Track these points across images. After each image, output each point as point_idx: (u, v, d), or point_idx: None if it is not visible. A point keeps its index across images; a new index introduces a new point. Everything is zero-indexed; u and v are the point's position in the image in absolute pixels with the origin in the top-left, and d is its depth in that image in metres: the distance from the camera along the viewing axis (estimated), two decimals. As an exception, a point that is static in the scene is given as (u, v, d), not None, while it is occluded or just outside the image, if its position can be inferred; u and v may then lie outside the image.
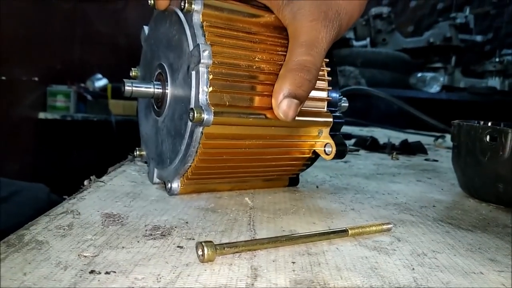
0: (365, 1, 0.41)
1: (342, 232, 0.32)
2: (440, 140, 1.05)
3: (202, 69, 0.34)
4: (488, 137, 0.45)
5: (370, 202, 0.44)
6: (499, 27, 3.00)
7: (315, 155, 0.44)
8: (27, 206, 0.76)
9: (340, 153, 0.42)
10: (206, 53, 0.34)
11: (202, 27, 0.36)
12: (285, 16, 0.38)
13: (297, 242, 0.30)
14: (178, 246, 0.28)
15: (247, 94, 0.37)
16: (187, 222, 0.33)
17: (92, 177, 0.44)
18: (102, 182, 0.43)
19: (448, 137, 1.05)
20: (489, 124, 0.53)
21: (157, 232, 0.30)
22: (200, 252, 0.26)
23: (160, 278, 0.23)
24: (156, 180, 0.43)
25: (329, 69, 0.43)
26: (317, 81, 0.39)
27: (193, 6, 0.35)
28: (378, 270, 0.26)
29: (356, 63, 2.14)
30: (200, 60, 0.34)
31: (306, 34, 0.37)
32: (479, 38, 2.62)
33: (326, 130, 0.43)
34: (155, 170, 0.43)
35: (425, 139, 1.05)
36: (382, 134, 1.16)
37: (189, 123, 0.35)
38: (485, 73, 2.44)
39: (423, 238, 0.33)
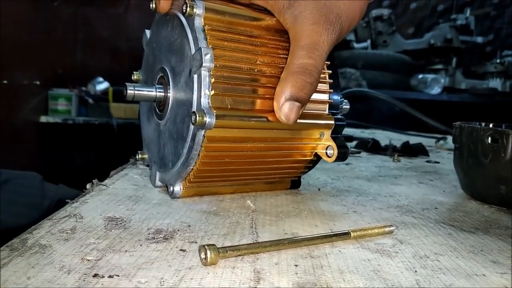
0: (366, 4, 0.41)
1: (345, 235, 0.32)
2: (441, 142, 1.05)
3: (204, 72, 0.34)
4: (489, 138, 0.45)
5: (372, 204, 0.44)
6: (500, 28, 3.00)
7: (317, 158, 0.44)
8: (20, 193, 0.76)
9: (342, 156, 0.42)
10: (208, 56, 0.34)
11: (203, 30, 0.36)
12: (286, 19, 0.38)
13: (300, 245, 0.30)
14: (181, 250, 0.28)
15: (248, 97, 0.37)
16: (189, 226, 0.33)
17: (95, 181, 0.44)
18: (105, 185, 0.43)
19: (449, 138, 1.05)
20: (491, 125, 0.53)
21: (160, 236, 0.30)
22: (203, 255, 0.26)
23: (163, 281, 0.23)
24: (158, 183, 0.43)
25: (330, 71, 0.43)
26: (319, 84, 0.39)
27: (194, 10, 0.36)
28: (381, 273, 0.26)
29: (357, 65, 2.15)
30: (202, 63, 0.34)
31: (307, 37, 0.37)
32: (480, 39, 2.62)
33: (327, 133, 0.43)
34: (157, 173, 0.43)
35: (427, 141, 1.04)
36: (384, 136, 1.16)
37: (191, 126, 0.35)
38: (486, 74, 2.44)
39: (426, 240, 0.33)
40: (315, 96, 0.40)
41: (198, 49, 0.34)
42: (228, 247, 0.27)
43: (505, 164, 0.43)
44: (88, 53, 2.49)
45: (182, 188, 0.40)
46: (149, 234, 0.31)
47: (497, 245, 0.34)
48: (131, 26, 2.51)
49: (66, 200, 0.38)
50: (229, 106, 0.36)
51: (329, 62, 0.42)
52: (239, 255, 0.27)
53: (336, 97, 0.43)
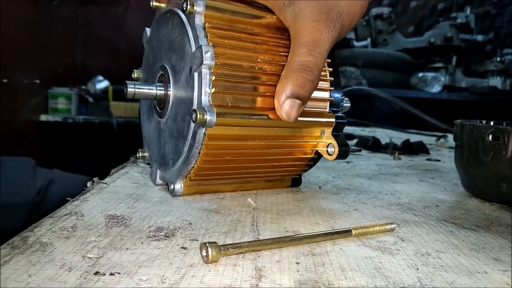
0: (367, 2, 0.41)
1: (346, 233, 0.32)
2: (442, 140, 1.05)
3: (204, 70, 0.34)
4: (490, 136, 0.45)
5: (373, 202, 0.44)
6: (500, 26, 3.00)
7: (318, 156, 0.44)
8: (13, 174, 0.75)
9: (343, 154, 0.42)
10: (209, 54, 0.34)
11: (204, 28, 0.36)
12: (287, 17, 0.38)
13: (301, 243, 0.30)
14: (182, 247, 0.28)
15: (249, 95, 0.37)
16: (190, 223, 0.33)
17: (95, 179, 0.44)
18: (105, 183, 0.43)
19: (450, 137, 1.05)
20: (491, 123, 0.53)
21: (161, 233, 0.30)
22: (204, 253, 0.26)
23: (165, 279, 0.23)
24: (159, 181, 0.43)
25: (331, 69, 0.43)
26: (319, 82, 0.39)
27: (195, 7, 0.35)
28: (383, 270, 0.26)
29: (357, 64, 2.14)
30: (202, 61, 0.34)
31: (308, 35, 0.37)
32: (480, 37, 2.62)
33: (328, 131, 0.43)
34: (158, 171, 0.43)
35: (427, 139, 1.04)
36: (384, 134, 1.16)
37: (192, 124, 0.35)
38: (486, 72, 2.44)
39: (427, 238, 0.33)
40: (316, 94, 0.40)
41: (199, 47, 0.34)
42: (229, 244, 0.27)
43: (506, 162, 0.43)
44: (88, 52, 2.49)
45: (182, 186, 0.40)
46: (150, 232, 0.30)
47: (498, 242, 0.34)
48: (131, 25, 2.51)
49: (67, 198, 0.38)
50: (229, 104, 0.36)
51: (329, 60, 0.42)
52: (240, 253, 0.27)
53: (337, 95, 0.43)
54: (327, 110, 0.43)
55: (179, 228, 0.32)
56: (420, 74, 2.28)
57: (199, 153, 0.36)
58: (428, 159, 0.79)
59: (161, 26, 0.41)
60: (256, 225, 0.33)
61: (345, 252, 0.29)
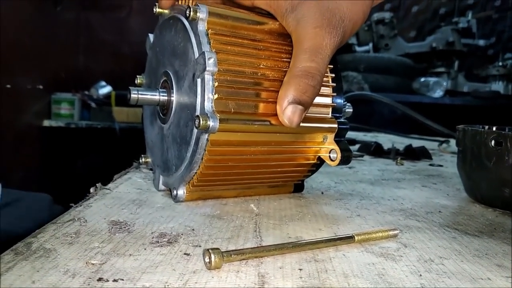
0: (369, 8, 0.41)
1: (349, 239, 0.32)
2: (444, 145, 1.05)
3: (207, 76, 0.35)
4: (493, 142, 0.45)
5: (375, 208, 0.44)
6: (502, 31, 3.00)
7: (320, 161, 0.44)
8: (29, 211, 0.76)
9: (345, 159, 0.42)
10: (212, 60, 0.34)
11: (207, 34, 0.36)
12: (289, 23, 0.38)
13: (304, 249, 0.30)
14: (185, 253, 0.28)
15: (252, 100, 0.37)
16: (193, 229, 0.33)
17: (98, 185, 0.44)
18: (108, 189, 0.43)
19: (452, 142, 1.05)
20: (494, 128, 0.53)
21: (164, 239, 0.30)
22: (207, 259, 0.26)
23: (168, 285, 0.23)
24: (161, 187, 0.43)
25: (333, 75, 0.43)
26: (322, 87, 0.39)
27: (198, 14, 0.36)
28: (385, 277, 0.26)
29: (359, 68, 2.15)
30: (205, 67, 0.34)
31: (310, 40, 0.37)
32: (482, 42, 2.62)
33: (331, 136, 0.43)
34: (161, 177, 0.43)
35: (429, 144, 1.04)
36: (386, 139, 1.16)
37: (195, 130, 0.36)
38: (488, 77, 2.44)
39: (430, 244, 0.33)
40: (318, 99, 0.40)
41: (202, 53, 0.35)
42: (232, 251, 0.27)
43: (508, 167, 0.43)
44: (90, 57, 2.51)
45: (185, 191, 0.40)
46: (153, 238, 0.31)
47: (501, 248, 0.33)
48: (133, 30, 2.52)
49: (70, 204, 0.38)
50: (232, 110, 0.36)
51: (332, 66, 0.42)
52: (243, 259, 0.27)
53: (339, 101, 0.43)
54: (330, 115, 0.43)
55: (182, 234, 0.32)
56: (422, 79, 2.28)
57: (202, 159, 0.37)
58: (430, 164, 0.79)
59: (164, 32, 0.41)
60: (258, 231, 0.33)
61: (348, 258, 0.29)
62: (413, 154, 0.85)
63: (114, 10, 2.55)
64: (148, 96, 0.39)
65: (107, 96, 2.32)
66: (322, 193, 0.49)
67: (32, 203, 0.78)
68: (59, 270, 0.24)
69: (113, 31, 2.54)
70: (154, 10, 0.40)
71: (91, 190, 0.43)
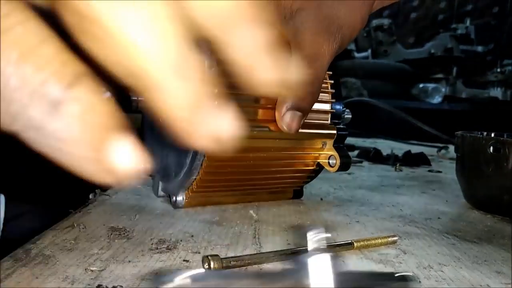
0: (367, 15, 0.42)
1: (348, 245, 0.32)
2: (443, 151, 1.05)
3: (207, 83, 0.35)
4: (491, 148, 0.45)
5: (375, 214, 0.44)
6: (500, 37, 3.02)
7: (319, 167, 0.44)
8: (34, 225, 0.76)
9: (345, 165, 0.42)
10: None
11: (207, 42, 0.36)
12: (288, 30, 0.39)
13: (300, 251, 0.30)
14: (184, 260, 0.28)
15: (251, 107, 0.37)
16: (192, 236, 0.33)
17: (97, 191, 0.44)
18: (107, 195, 0.43)
19: (451, 148, 1.05)
20: (492, 135, 0.53)
21: (163, 246, 0.30)
22: (206, 266, 0.26)
23: (167, 292, 0.23)
24: (161, 193, 0.43)
25: (332, 81, 0.43)
26: (321, 94, 0.39)
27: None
28: (385, 283, 0.26)
29: (358, 75, 2.16)
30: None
31: (308, 47, 0.37)
32: (480, 48, 2.64)
33: (330, 142, 0.43)
34: (160, 183, 0.43)
35: (428, 150, 1.04)
36: (385, 145, 1.16)
37: (194, 137, 0.36)
38: (487, 83, 2.45)
39: (429, 250, 0.33)
40: (317, 106, 0.41)
41: (202, 60, 0.35)
42: (232, 257, 0.27)
43: (507, 174, 0.43)
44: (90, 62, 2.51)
45: (184, 198, 0.40)
46: (152, 244, 0.31)
47: (500, 255, 0.34)
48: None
49: (69, 210, 0.38)
50: (232, 116, 0.36)
51: (330, 72, 0.43)
52: (243, 266, 0.27)
53: (338, 107, 0.43)
54: (329, 122, 0.43)
55: (181, 241, 0.32)
56: (421, 85, 2.29)
57: (201, 165, 0.37)
58: (429, 171, 0.79)
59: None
60: (258, 238, 0.33)
61: (347, 265, 0.29)
62: (412, 160, 0.85)
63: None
64: (148, 103, 0.39)
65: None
66: (321, 199, 0.49)
67: (36, 218, 0.78)
68: (58, 276, 0.24)
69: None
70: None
71: (91, 196, 0.43)
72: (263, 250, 0.31)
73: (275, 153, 0.40)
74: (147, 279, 0.25)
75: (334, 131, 0.43)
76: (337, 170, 0.42)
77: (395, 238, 0.34)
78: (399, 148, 1.07)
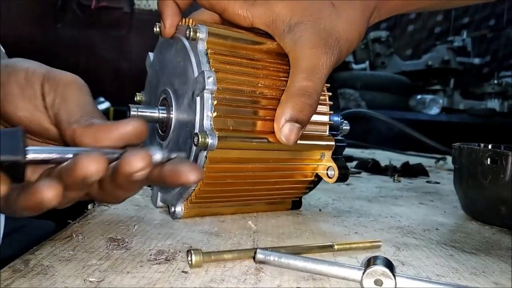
0: (365, 28, 0.42)
1: (328, 247, 0.34)
2: (441, 162, 1.05)
3: (206, 95, 0.35)
4: (489, 160, 0.45)
5: (373, 225, 0.44)
6: (496, 49, 3.05)
7: (318, 178, 0.44)
8: (34, 238, 0.75)
9: (343, 177, 0.42)
10: (211, 79, 0.35)
11: (206, 54, 0.37)
12: (286, 43, 0.39)
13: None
14: (182, 271, 0.28)
15: (250, 118, 0.38)
16: (191, 247, 0.33)
17: (96, 202, 0.44)
18: (106, 206, 0.43)
19: (449, 159, 1.05)
20: (489, 146, 0.53)
21: (162, 257, 0.30)
22: (189, 258, 0.28)
23: (166, 303, 0.23)
24: (159, 204, 0.43)
25: (330, 93, 0.43)
26: (319, 106, 0.39)
27: (198, 34, 0.37)
28: (383, 295, 0.26)
29: (356, 86, 2.17)
30: (204, 86, 0.35)
31: (306, 60, 0.38)
32: (477, 60, 2.66)
33: (328, 154, 0.43)
34: (159, 193, 0.43)
35: (426, 161, 1.05)
36: (383, 156, 1.16)
37: (194, 148, 0.36)
38: (484, 95, 2.47)
39: (427, 261, 0.33)
40: (316, 117, 0.41)
41: (201, 72, 0.35)
42: (212, 252, 0.30)
43: (504, 185, 0.44)
44: (90, 74, 2.52)
45: (183, 208, 0.40)
46: (150, 255, 0.31)
47: (498, 266, 0.34)
48: (133, 48, 2.55)
49: (68, 221, 0.38)
50: (231, 128, 0.36)
51: (329, 85, 0.43)
52: (223, 260, 0.30)
53: (336, 119, 0.44)
54: (327, 133, 0.43)
55: (179, 252, 0.32)
56: (419, 96, 2.30)
57: (200, 176, 0.37)
58: (427, 181, 0.79)
59: (165, 51, 0.42)
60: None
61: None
62: (410, 171, 0.85)
63: (114, 27, 2.58)
64: (148, 113, 0.40)
65: (105, 112, 2.33)
66: (320, 210, 0.49)
67: (35, 230, 0.77)
68: (56, 287, 0.24)
69: (113, 48, 2.57)
70: (155, 29, 0.41)
71: (89, 206, 0.43)
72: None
73: (274, 164, 0.41)
74: (146, 290, 0.25)
75: (333, 143, 0.43)
76: (336, 181, 0.43)
77: (379, 243, 0.35)
78: (397, 159, 1.07)
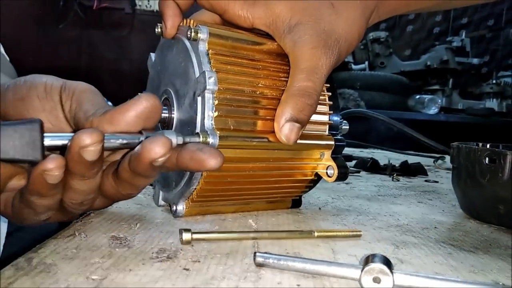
0: (364, 29, 0.43)
1: (308, 233, 0.37)
2: (440, 161, 1.06)
3: (207, 95, 0.36)
4: (487, 159, 0.46)
5: (372, 224, 0.44)
6: (495, 49, 3.06)
7: (317, 177, 0.45)
8: (37, 236, 0.75)
9: (342, 176, 0.43)
10: (212, 79, 0.35)
11: (207, 54, 0.37)
12: (286, 43, 0.40)
13: (264, 237, 0.36)
14: (184, 269, 0.28)
15: (250, 118, 0.38)
16: (192, 245, 0.33)
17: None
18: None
19: (447, 158, 1.05)
20: (488, 146, 0.54)
21: (164, 255, 0.31)
22: (180, 237, 0.33)
23: (168, 300, 0.24)
24: (161, 202, 0.43)
25: (329, 93, 0.44)
26: (319, 106, 0.40)
27: (199, 35, 0.37)
28: (382, 292, 0.27)
29: (355, 86, 2.18)
30: (206, 86, 0.35)
31: (306, 60, 0.38)
32: (475, 60, 2.67)
33: (328, 153, 0.44)
34: (161, 192, 0.43)
35: (425, 160, 1.05)
36: (382, 156, 1.17)
37: (195, 147, 0.36)
38: (482, 94, 2.48)
39: (426, 260, 0.34)
40: (315, 117, 0.41)
41: (202, 73, 0.36)
42: (202, 232, 0.34)
43: (502, 184, 0.44)
44: (92, 74, 2.53)
45: (185, 207, 0.40)
46: (152, 253, 0.31)
47: (497, 264, 0.34)
48: (134, 48, 2.56)
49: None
50: (232, 127, 0.37)
51: (328, 85, 0.44)
52: (211, 239, 0.34)
53: (336, 118, 0.44)
54: (326, 133, 0.44)
55: (181, 250, 0.32)
56: (417, 96, 2.31)
57: (201, 174, 0.37)
58: (426, 180, 0.80)
59: (166, 51, 0.43)
60: (257, 247, 0.34)
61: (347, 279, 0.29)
62: (409, 170, 0.86)
63: (116, 28, 2.59)
64: (149, 113, 0.40)
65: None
66: (320, 208, 0.50)
67: (38, 229, 0.77)
68: (59, 285, 0.25)
69: (115, 48, 2.57)
70: (156, 30, 0.42)
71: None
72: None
73: (274, 163, 0.41)
74: (148, 287, 0.25)
75: (332, 142, 0.43)
76: (335, 180, 0.43)
77: (359, 233, 0.38)
78: (396, 158, 1.07)
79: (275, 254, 0.29)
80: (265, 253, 0.29)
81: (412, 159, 1.01)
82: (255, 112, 0.38)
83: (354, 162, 0.94)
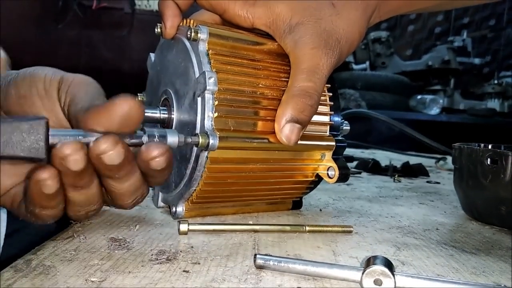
0: (365, 29, 0.42)
1: (300, 226, 0.38)
2: (441, 162, 1.05)
3: (207, 95, 0.35)
4: (489, 160, 0.45)
5: (373, 225, 0.44)
6: (496, 49, 3.05)
7: (318, 179, 0.45)
8: (36, 238, 0.75)
9: (343, 177, 0.43)
10: (212, 80, 0.35)
11: (207, 55, 0.37)
12: (287, 44, 0.39)
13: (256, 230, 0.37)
14: (184, 271, 0.28)
15: (251, 119, 0.38)
16: (192, 247, 0.33)
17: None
18: (107, 206, 0.43)
19: (449, 159, 1.05)
20: (489, 146, 0.53)
21: (163, 257, 0.30)
22: (178, 227, 0.35)
23: (167, 303, 0.23)
24: (161, 204, 0.43)
25: (330, 94, 0.44)
26: (320, 106, 0.40)
27: (199, 35, 0.37)
28: (384, 294, 0.26)
29: (356, 86, 2.17)
30: (206, 87, 0.35)
31: (307, 61, 0.38)
32: (477, 60, 2.67)
33: (328, 154, 0.43)
34: (160, 194, 0.43)
35: (426, 161, 1.05)
36: (384, 156, 1.16)
37: (195, 148, 0.36)
38: (484, 95, 2.47)
39: (427, 261, 0.33)
40: (316, 118, 0.41)
41: (202, 73, 0.35)
42: (198, 223, 0.37)
43: (504, 185, 0.44)
44: (91, 74, 2.53)
45: (184, 209, 0.40)
46: (152, 255, 0.31)
47: (498, 266, 0.34)
48: (134, 48, 2.56)
49: (70, 221, 0.38)
50: (232, 128, 0.37)
51: (329, 85, 0.43)
52: (207, 230, 0.36)
53: (337, 119, 0.44)
54: (327, 133, 0.43)
55: (181, 252, 0.32)
56: (419, 97, 2.31)
57: (201, 176, 0.37)
58: (427, 181, 0.79)
59: (166, 51, 0.42)
60: (257, 249, 0.34)
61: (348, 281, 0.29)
62: (410, 171, 0.85)
63: (115, 28, 2.58)
64: (149, 114, 0.40)
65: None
66: (321, 210, 0.49)
67: (37, 231, 0.77)
68: (58, 287, 0.24)
69: (114, 49, 2.57)
70: (156, 30, 0.41)
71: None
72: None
73: (275, 164, 0.41)
74: (148, 289, 0.25)
75: (333, 143, 0.43)
76: (336, 181, 0.43)
77: (350, 229, 0.39)
78: (397, 159, 1.07)
79: (276, 256, 0.29)
80: (266, 255, 0.29)
81: (413, 160, 1.01)
82: (255, 113, 0.38)
83: (355, 163, 0.94)
